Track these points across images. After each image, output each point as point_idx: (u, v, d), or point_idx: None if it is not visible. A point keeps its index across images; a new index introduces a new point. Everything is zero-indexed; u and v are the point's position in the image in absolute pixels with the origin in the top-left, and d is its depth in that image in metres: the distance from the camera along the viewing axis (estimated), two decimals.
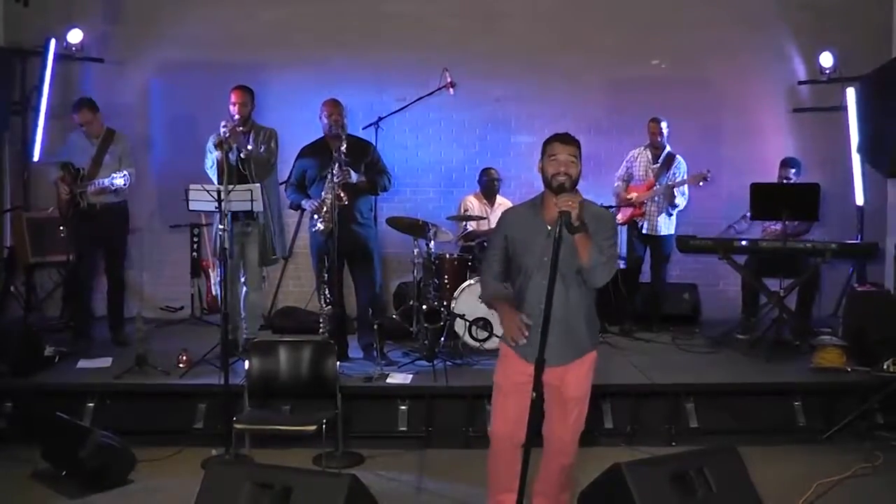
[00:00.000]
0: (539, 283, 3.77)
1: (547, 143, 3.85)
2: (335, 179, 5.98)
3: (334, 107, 6.35)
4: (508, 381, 3.93)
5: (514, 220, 3.98)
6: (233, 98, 6.39)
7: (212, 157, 6.35)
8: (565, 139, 3.82)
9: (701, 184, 7.36)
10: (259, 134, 6.39)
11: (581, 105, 8.53)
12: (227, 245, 5.42)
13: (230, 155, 6.15)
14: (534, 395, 3.59)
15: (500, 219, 4.13)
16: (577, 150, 3.80)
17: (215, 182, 6.23)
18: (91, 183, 6.58)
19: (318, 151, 6.34)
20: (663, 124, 7.58)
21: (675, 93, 8.25)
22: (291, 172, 6.53)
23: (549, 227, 3.77)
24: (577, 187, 3.79)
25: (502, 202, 7.74)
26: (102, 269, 7.08)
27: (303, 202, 6.37)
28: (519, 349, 3.84)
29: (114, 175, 6.42)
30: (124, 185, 6.42)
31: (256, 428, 4.92)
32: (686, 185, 7.51)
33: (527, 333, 3.73)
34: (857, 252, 7.19)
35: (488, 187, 7.68)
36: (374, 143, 6.66)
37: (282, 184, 6.99)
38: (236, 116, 6.30)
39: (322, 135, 6.42)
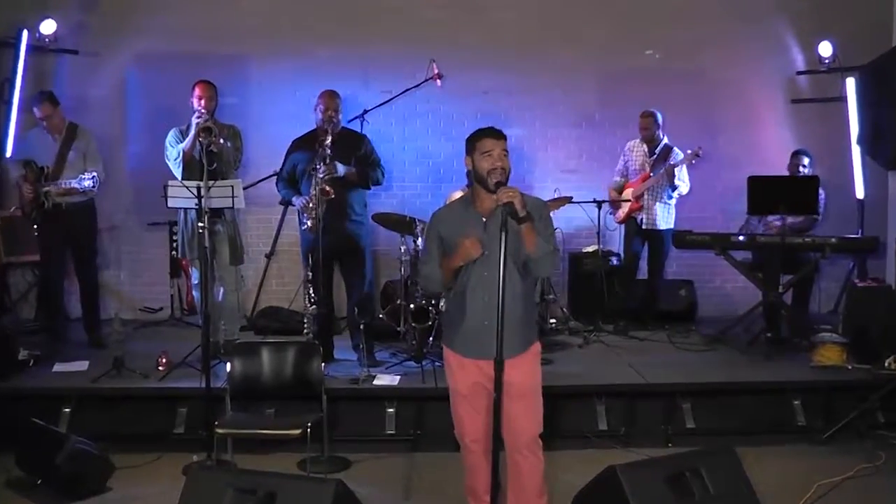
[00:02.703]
0: (481, 276, 3.87)
1: (476, 138, 3.93)
2: (320, 175, 5.97)
3: (330, 99, 6.31)
4: (465, 383, 3.99)
5: (446, 220, 4.05)
6: (197, 92, 6.36)
7: (175, 149, 6.34)
8: (497, 134, 3.92)
9: (693, 161, 7.33)
10: (222, 131, 6.35)
11: (573, 97, 8.53)
12: (206, 244, 5.41)
13: (194, 150, 6.15)
14: (495, 395, 3.64)
15: (429, 222, 4.19)
16: (506, 142, 3.93)
17: (179, 176, 6.25)
18: (56, 183, 6.53)
19: (308, 145, 6.29)
20: (654, 118, 7.57)
21: (669, 84, 8.25)
22: (283, 167, 6.52)
23: (485, 220, 3.90)
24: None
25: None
26: (72, 269, 7.06)
27: (293, 199, 6.34)
28: (466, 349, 3.96)
29: (82, 177, 6.36)
30: (93, 186, 6.37)
31: (239, 432, 4.91)
32: (685, 170, 7.49)
33: (479, 247, 3.81)
34: (858, 246, 7.20)
35: None
36: (367, 136, 6.63)
37: (271, 175, 7.00)
38: (202, 111, 6.28)
39: (314, 127, 6.40)
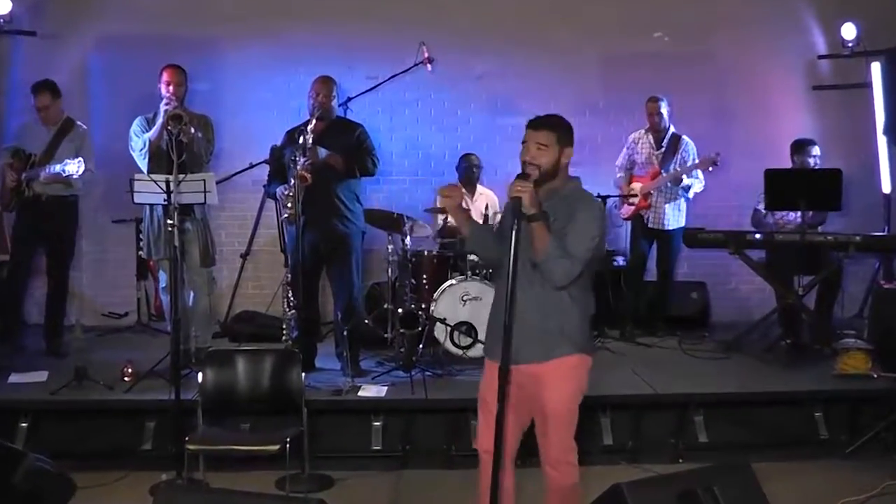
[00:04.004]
0: (508, 274, 3.83)
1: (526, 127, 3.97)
2: (300, 163, 5.94)
3: (322, 85, 6.36)
4: (490, 388, 3.92)
5: (508, 205, 4.11)
6: (165, 77, 6.36)
7: (141, 139, 6.33)
8: (535, 124, 3.92)
9: (710, 169, 7.36)
10: (193, 120, 6.34)
11: (574, 83, 8.53)
12: (175, 243, 5.38)
13: (162, 140, 6.15)
14: (498, 406, 3.65)
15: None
16: (551, 133, 3.87)
17: (144, 169, 6.25)
18: (41, 168, 6.52)
19: (297, 133, 6.30)
20: (662, 104, 7.57)
21: (679, 69, 8.27)
22: (272, 160, 6.53)
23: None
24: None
25: (484, 192, 7.76)
26: (39, 268, 7.05)
27: (276, 190, 6.34)
28: (488, 350, 4.03)
29: (66, 161, 6.34)
30: (77, 173, 6.34)
31: (212, 448, 4.90)
32: (699, 170, 7.49)
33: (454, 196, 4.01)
34: (884, 245, 7.21)
35: (467, 175, 7.69)
36: (362, 125, 6.63)
37: (246, 169, 7.06)
38: (171, 98, 6.27)
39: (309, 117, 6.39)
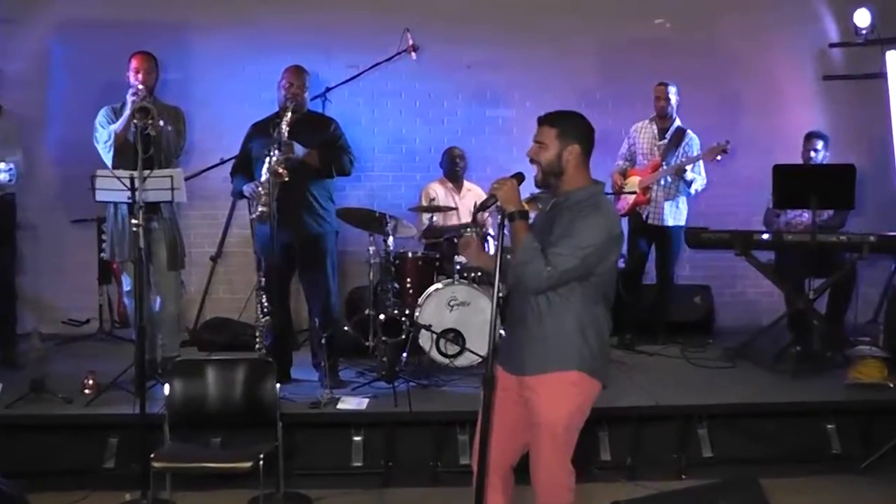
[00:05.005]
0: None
1: None
2: (275, 158, 5.90)
3: (294, 76, 6.35)
4: (497, 399, 3.89)
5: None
6: (134, 64, 6.34)
7: (106, 131, 6.29)
8: (538, 120, 3.96)
9: (719, 157, 7.33)
10: (163, 112, 6.30)
11: (569, 73, 8.55)
12: (140, 244, 5.35)
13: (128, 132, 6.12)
14: (483, 416, 3.70)
15: None
16: (550, 129, 3.91)
17: (109, 162, 6.22)
18: None
19: (267, 127, 6.27)
20: (671, 89, 7.57)
21: (681, 58, 8.27)
22: (238, 155, 6.51)
23: (533, 214, 4.04)
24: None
25: (472, 188, 7.73)
26: None
27: (244, 187, 6.29)
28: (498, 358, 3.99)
29: None
30: (9, 181, 6.29)
31: (180, 466, 4.88)
32: (702, 163, 7.49)
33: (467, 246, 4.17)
34: None
35: (451, 170, 7.68)
36: (336, 121, 6.62)
37: (217, 164, 7.07)
38: (140, 87, 6.24)
39: (277, 109, 6.38)
